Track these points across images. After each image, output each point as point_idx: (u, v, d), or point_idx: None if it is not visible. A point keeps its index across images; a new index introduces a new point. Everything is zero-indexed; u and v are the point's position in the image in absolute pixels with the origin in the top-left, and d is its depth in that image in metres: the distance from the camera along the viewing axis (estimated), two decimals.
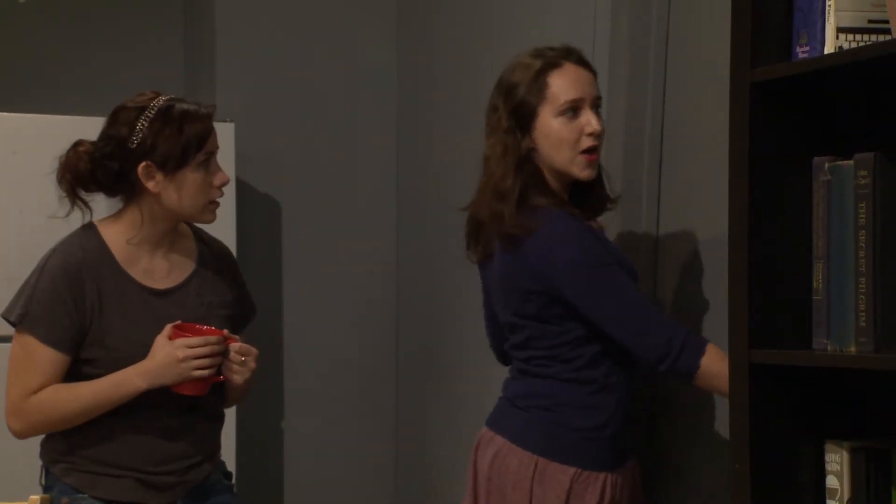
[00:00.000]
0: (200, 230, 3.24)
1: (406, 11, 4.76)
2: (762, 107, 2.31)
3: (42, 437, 3.14)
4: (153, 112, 3.03)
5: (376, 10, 4.82)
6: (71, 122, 4.08)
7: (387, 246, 4.82)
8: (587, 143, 2.96)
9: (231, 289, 3.23)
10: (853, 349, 2.16)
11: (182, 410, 3.09)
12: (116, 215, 3.12)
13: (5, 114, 4.28)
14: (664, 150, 3.30)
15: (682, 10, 3.26)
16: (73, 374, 3.06)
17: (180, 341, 3.01)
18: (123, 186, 3.08)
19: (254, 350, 3.10)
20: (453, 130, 4.34)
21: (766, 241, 2.31)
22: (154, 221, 3.09)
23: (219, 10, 4.73)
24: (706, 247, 3.16)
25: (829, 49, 2.21)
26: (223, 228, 3.47)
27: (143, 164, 3.03)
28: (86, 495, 3.07)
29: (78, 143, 3.09)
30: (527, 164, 2.97)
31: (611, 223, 3.28)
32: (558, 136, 2.96)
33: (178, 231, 3.16)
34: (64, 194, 3.08)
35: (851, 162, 2.18)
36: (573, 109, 2.96)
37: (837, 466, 2.25)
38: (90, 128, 3.18)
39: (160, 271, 3.13)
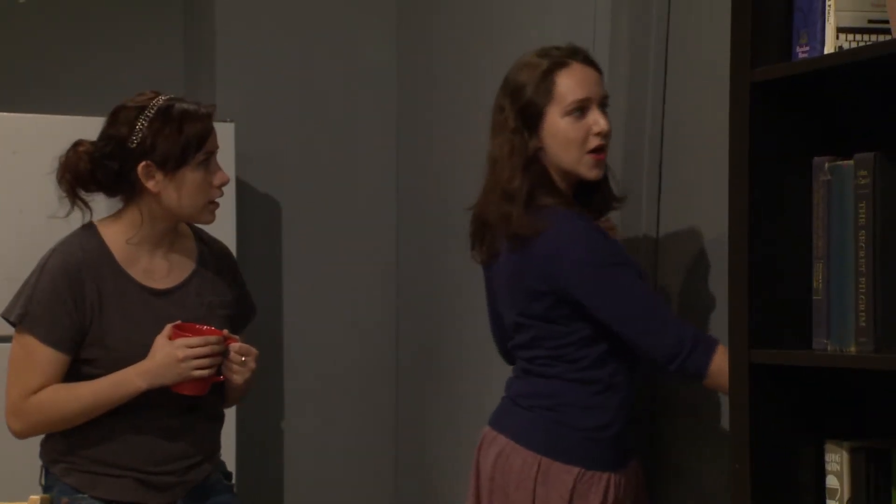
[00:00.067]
0: (200, 230, 3.24)
1: (406, 11, 4.76)
2: (762, 107, 2.30)
3: (42, 437, 3.14)
4: (153, 112, 3.03)
5: (376, 10, 4.82)
6: (71, 122, 4.08)
7: (387, 246, 4.82)
8: (595, 142, 2.96)
9: (231, 289, 3.23)
10: (853, 349, 2.16)
11: (182, 410, 3.09)
12: (116, 215, 3.12)
13: (5, 114, 4.28)
14: (664, 150, 3.30)
15: (682, 10, 3.26)
16: (73, 374, 3.06)
17: (180, 341, 3.01)
18: (123, 186, 3.08)
19: (254, 350, 3.10)
20: (453, 130, 4.34)
21: (766, 241, 2.31)
22: (154, 221, 3.09)
23: (219, 10, 4.73)
24: (706, 247, 3.16)
25: (829, 49, 2.21)
26: (223, 228, 3.47)
27: (143, 163, 3.03)
28: (86, 495, 3.07)
29: (78, 143, 3.09)
30: (534, 164, 2.96)
31: None
32: (566, 136, 2.95)
33: (178, 231, 3.17)
34: (64, 194, 3.08)
35: (851, 162, 2.18)
36: (581, 109, 2.95)
37: (837, 466, 2.25)
38: (90, 128, 3.18)
39: (160, 271, 3.13)
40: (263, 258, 4.71)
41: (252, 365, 3.09)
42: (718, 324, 3.02)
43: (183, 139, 3.03)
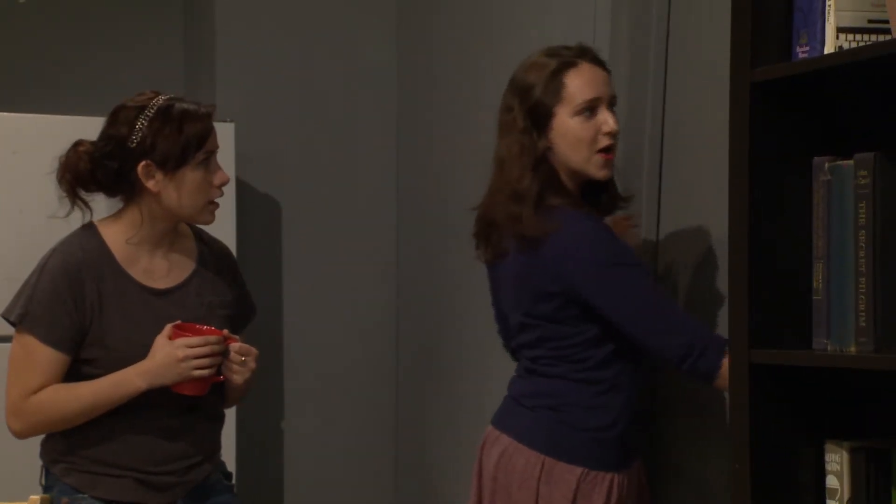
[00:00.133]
0: (201, 230, 3.24)
1: (406, 11, 4.76)
2: (762, 107, 2.30)
3: (42, 437, 3.14)
4: (153, 111, 3.03)
5: (376, 10, 4.83)
6: (71, 122, 4.08)
7: (387, 246, 4.83)
8: (604, 142, 2.95)
9: (231, 289, 3.23)
10: (853, 349, 2.16)
11: (182, 410, 3.09)
12: (116, 215, 3.12)
13: (5, 114, 4.29)
14: (664, 150, 3.31)
15: (682, 10, 3.26)
16: (73, 374, 3.06)
17: (180, 341, 3.01)
18: (123, 186, 3.08)
19: (254, 350, 3.10)
20: (453, 130, 4.34)
21: (766, 241, 2.31)
22: (153, 221, 3.09)
23: (219, 10, 4.73)
24: (706, 247, 3.16)
25: (829, 49, 2.21)
26: (223, 228, 3.47)
27: (143, 163, 3.03)
28: (86, 495, 3.07)
29: (78, 143, 3.09)
30: (543, 164, 2.95)
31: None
32: (575, 136, 2.95)
33: (179, 231, 3.16)
34: (64, 194, 3.08)
35: (851, 162, 2.18)
36: (590, 109, 2.94)
37: (837, 466, 2.25)
38: (90, 128, 3.18)
39: (160, 271, 3.13)
40: (263, 258, 4.71)
41: (252, 365, 3.09)
42: (718, 324, 3.02)
43: (183, 139, 3.03)
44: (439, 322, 4.46)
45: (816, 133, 2.33)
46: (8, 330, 3.11)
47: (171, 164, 3.03)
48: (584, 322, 2.95)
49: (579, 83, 2.95)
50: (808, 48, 2.26)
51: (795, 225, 2.30)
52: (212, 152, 3.08)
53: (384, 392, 4.82)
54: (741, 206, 2.31)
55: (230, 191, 3.89)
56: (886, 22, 2.16)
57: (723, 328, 2.45)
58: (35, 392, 3.04)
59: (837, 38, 2.20)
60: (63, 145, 3.10)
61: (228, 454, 3.67)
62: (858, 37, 2.20)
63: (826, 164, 2.23)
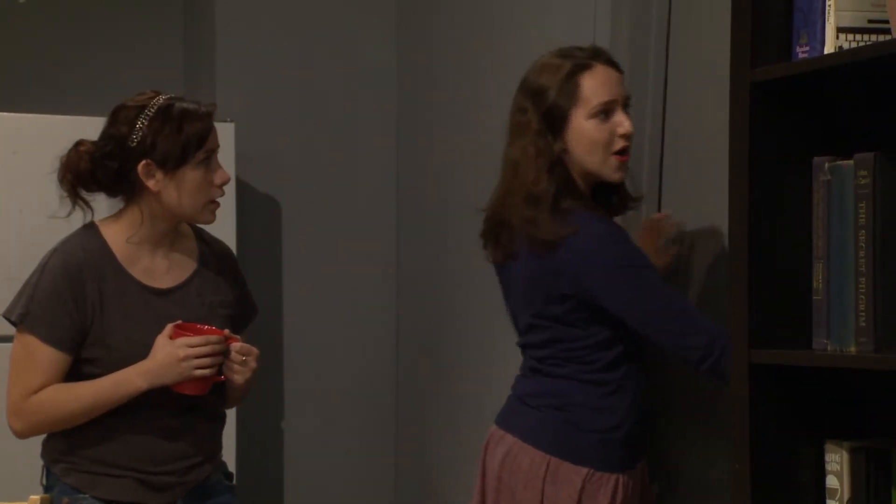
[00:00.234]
0: (202, 230, 3.24)
1: (406, 11, 4.77)
2: (762, 107, 2.31)
3: (43, 436, 3.14)
4: (153, 111, 3.03)
5: (376, 10, 4.83)
6: (71, 122, 4.09)
7: (387, 246, 4.83)
8: (620, 144, 2.94)
9: (232, 289, 3.23)
10: (853, 349, 2.16)
11: (182, 410, 3.09)
12: (117, 215, 3.13)
13: (5, 114, 4.29)
14: (664, 150, 3.31)
15: (682, 10, 3.26)
16: (74, 373, 3.06)
17: (181, 340, 3.02)
18: (124, 186, 3.08)
19: (255, 350, 3.10)
20: (453, 130, 4.34)
21: (766, 241, 2.31)
22: (154, 221, 3.09)
23: (219, 10, 4.73)
24: (706, 247, 3.16)
25: (829, 49, 2.21)
26: (223, 228, 3.47)
27: (143, 162, 3.03)
28: (86, 495, 3.07)
29: (79, 143, 3.09)
30: (557, 166, 2.94)
31: None
32: (591, 139, 2.93)
33: (180, 231, 3.17)
34: (65, 194, 3.08)
35: (851, 162, 2.18)
36: (605, 112, 2.93)
37: (837, 466, 2.25)
38: (90, 128, 3.18)
39: (161, 271, 3.13)
40: (263, 258, 4.71)
41: (253, 365, 3.09)
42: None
43: (183, 138, 3.03)
44: (439, 322, 4.46)
45: (816, 133, 2.33)
46: (9, 330, 3.11)
47: (171, 164, 3.03)
48: (595, 325, 2.94)
49: (595, 85, 2.93)
50: (808, 48, 2.26)
51: (795, 225, 2.30)
52: (212, 151, 3.08)
53: (384, 392, 4.82)
54: (741, 206, 2.32)
55: (230, 191, 3.88)
56: (886, 22, 2.16)
57: None
58: (36, 392, 3.04)
59: (837, 38, 2.20)
60: (63, 145, 3.11)
61: (228, 454, 3.66)
62: (858, 37, 2.20)
63: (826, 164, 2.23)
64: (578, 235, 2.88)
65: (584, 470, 2.94)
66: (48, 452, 3.13)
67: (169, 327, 3.04)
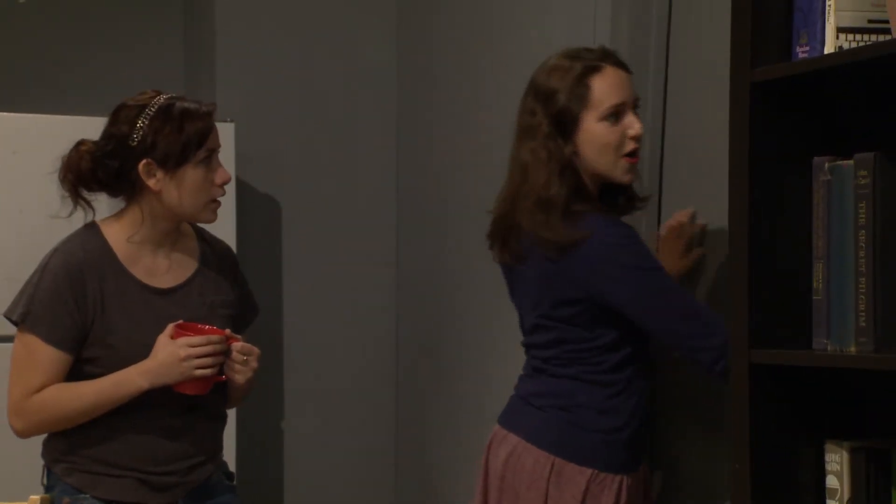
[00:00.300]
0: (203, 230, 3.24)
1: (406, 11, 4.77)
2: (762, 107, 2.31)
3: (44, 436, 3.14)
4: (153, 110, 3.04)
5: (376, 10, 4.83)
6: (71, 122, 4.09)
7: (387, 246, 4.83)
8: (630, 146, 2.93)
9: (233, 288, 3.23)
10: (853, 349, 2.16)
11: (183, 410, 3.10)
12: (118, 214, 3.13)
13: (5, 114, 4.29)
14: (664, 150, 3.31)
15: (682, 10, 3.26)
16: (75, 373, 3.06)
17: (182, 340, 3.02)
18: (125, 185, 3.08)
19: (256, 350, 3.10)
20: (453, 130, 4.34)
21: (766, 241, 2.31)
22: (155, 220, 3.09)
23: (219, 10, 4.73)
24: (706, 247, 3.16)
25: (829, 49, 2.21)
26: (223, 228, 3.47)
27: (144, 161, 3.03)
28: (87, 495, 3.07)
29: (80, 143, 3.10)
30: (568, 169, 2.93)
31: None
32: (602, 141, 2.92)
33: (181, 231, 3.17)
34: (66, 194, 3.08)
35: (851, 162, 2.18)
36: (616, 114, 2.92)
37: (837, 466, 2.25)
38: (90, 128, 3.18)
39: (162, 270, 3.13)
40: (263, 258, 4.71)
41: (254, 364, 3.09)
42: None
43: (183, 137, 3.03)
44: (439, 322, 4.46)
45: (816, 133, 2.33)
46: (10, 329, 3.11)
47: (172, 163, 3.03)
48: (602, 326, 2.93)
49: (605, 88, 2.92)
50: (808, 48, 2.26)
51: (795, 225, 2.31)
52: (213, 150, 3.08)
53: (384, 392, 4.82)
54: (741, 206, 2.32)
55: (230, 191, 3.88)
56: (886, 22, 2.17)
57: None
58: (37, 391, 3.04)
59: (837, 38, 2.20)
60: (63, 145, 3.11)
61: (229, 454, 3.66)
62: (858, 37, 2.20)
63: (826, 164, 2.23)
64: (592, 240, 2.87)
65: (589, 471, 2.94)
66: (49, 452, 3.13)
67: (170, 327, 3.04)
